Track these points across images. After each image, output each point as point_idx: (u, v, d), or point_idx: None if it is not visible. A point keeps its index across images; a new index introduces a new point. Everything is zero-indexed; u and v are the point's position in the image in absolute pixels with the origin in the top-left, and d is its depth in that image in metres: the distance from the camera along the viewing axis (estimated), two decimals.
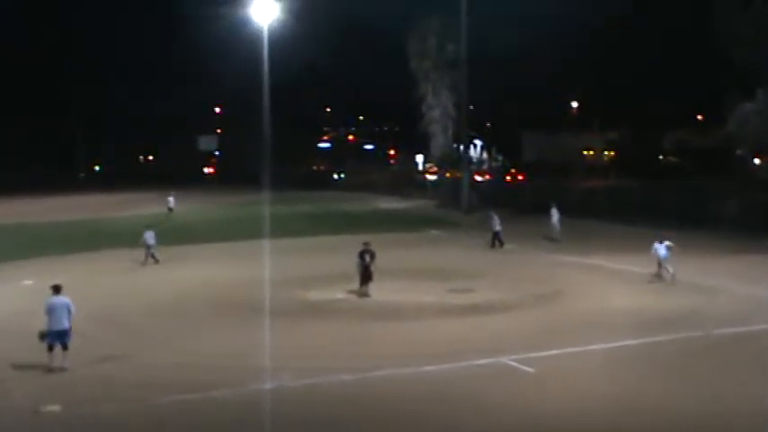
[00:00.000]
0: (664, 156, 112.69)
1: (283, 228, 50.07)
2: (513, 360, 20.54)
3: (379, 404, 18.04)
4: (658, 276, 31.50)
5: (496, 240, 42.33)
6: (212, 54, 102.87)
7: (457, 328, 24.76)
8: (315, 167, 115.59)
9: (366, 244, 30.12)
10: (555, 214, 44.23)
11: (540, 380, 19.41)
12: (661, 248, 31.56)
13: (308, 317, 26.72)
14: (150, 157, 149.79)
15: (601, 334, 23.34)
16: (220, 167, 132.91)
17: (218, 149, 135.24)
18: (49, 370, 20.04)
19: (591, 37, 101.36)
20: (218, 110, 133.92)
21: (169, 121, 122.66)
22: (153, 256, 38.34)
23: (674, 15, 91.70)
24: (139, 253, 38.55)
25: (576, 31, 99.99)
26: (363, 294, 29.33)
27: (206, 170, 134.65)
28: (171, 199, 62.85)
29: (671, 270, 31.13)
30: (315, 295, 29.94)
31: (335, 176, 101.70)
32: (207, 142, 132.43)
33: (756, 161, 47.05)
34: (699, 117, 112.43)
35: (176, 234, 49.02)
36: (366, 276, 29.53)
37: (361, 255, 29.73)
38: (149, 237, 38.56)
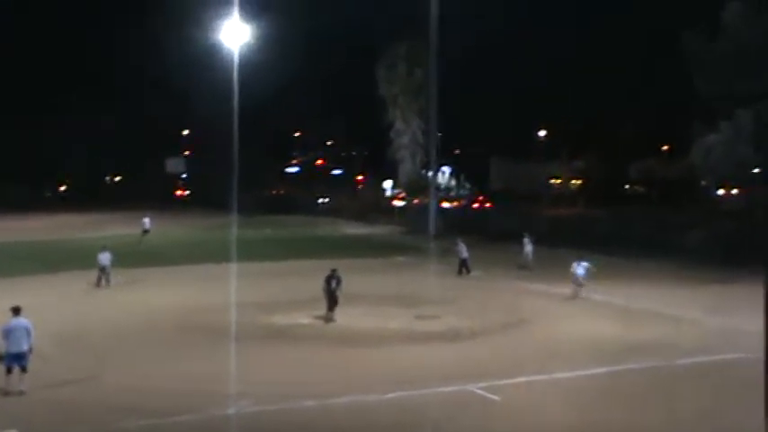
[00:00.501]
0: (630, 185, 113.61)
1: (250, 252, 49.80)
2: (479, 388, 20.46)
3: (343, 431, 17.89)
4: (574, 295, 33.96)
5: (463, 267, 42.34)
6: (181, 76, 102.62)
7: (423, 355, 24.66)
8: (275, 192, 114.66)
9: (333, 270, 30.04)
10: (528, 243, 44.37)
11: (505, 408, 19.34)
12: (579, 268, 34.31)
13: (273, 341, 26.53)
14: (117, 178, 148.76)
15: (567, 362, 23.33)
16: (188, 190, 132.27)
17: (185, 172, 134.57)
18: (6, 393, 19.70)
19: (559, 65, 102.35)
20: (186, 132, 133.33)
21: (137, 142, 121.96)
22: (107, 279, 37.89)
23: (639, 46, 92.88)
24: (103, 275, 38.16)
25: (544, 59, 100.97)
26: (329, 320, 29.21)
27: (177, 192, 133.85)
28: (146, 220, 62.51)
29: (582, 289, 33.84)
30: (280, 320, 29.74)
31: (320, 201, 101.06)
32: (174, 165, 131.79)
33: (720, 192, 47.45)
34: (664, 147, 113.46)
35: (142, 256, 48.64)
36: (332, 302, 29.44)
37: (328, 280, 29.66)
38: (104, 258, 38.11)
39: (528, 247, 44.33)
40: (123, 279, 38.88)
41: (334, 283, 29.56)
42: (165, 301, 33.90)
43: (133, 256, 47.49)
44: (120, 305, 33.30)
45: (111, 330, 28.15)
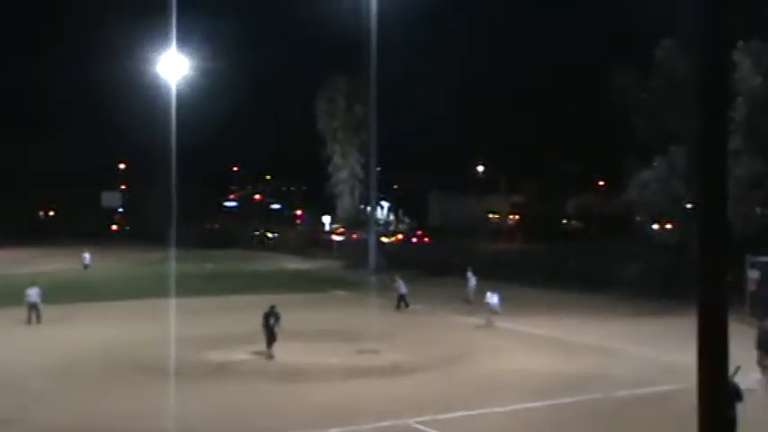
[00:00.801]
0: (567, 220, 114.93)
1: (188, 287, 49.25)
2: (418, 423, 20.37)
3: None
4: (489, 323, 35.95)
5: (402, 302, 42.31)
6: (118, 109, 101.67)
7: (362, 390, 24.52)
8: (210, 226, 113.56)
9: (272, 306, 29.80)
10: (471, 278, 44.50)
11: None
12: (493, 298, 36.49)
13: (211, 378, 26.19)
14: (51, 213, 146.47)
15: (506, 396, 23.37)
16: (124, 224, 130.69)
17: (122, 206, 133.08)
18: None
19: (499, 102, 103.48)
20: (122, 166, 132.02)
21: (71, 176, 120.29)
22: (37, 315, 37.09)
23: (574, 81, 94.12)
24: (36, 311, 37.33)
25: (483, 95, 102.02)
26: (268, 356, 28.94)
27: (114, 226, 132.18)
28: (86, 255, 61.82)
29: (495, 316, 36.04)
30: (218, 356, 29.39)
31: (269, 235, 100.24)
32: (110, 198, 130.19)
33: (655, 226, 48.19)
34: (601, 183, 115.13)
35: (76, 291, 47.84)
36: (271, 338, 29.19)
37: (266, 316, 29.42)
38: (33, 294, 37.34)
39: (472, 282, 44.48)
40: (55, 315, 38.10)
41: (272, 320, 29.33)
42: (99, 338, 33.30)
43: (67, 292, 46.69)
44: (50, 342, 32.59)
45: (40, 368, 27.51)
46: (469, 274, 44.74)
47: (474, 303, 43.09)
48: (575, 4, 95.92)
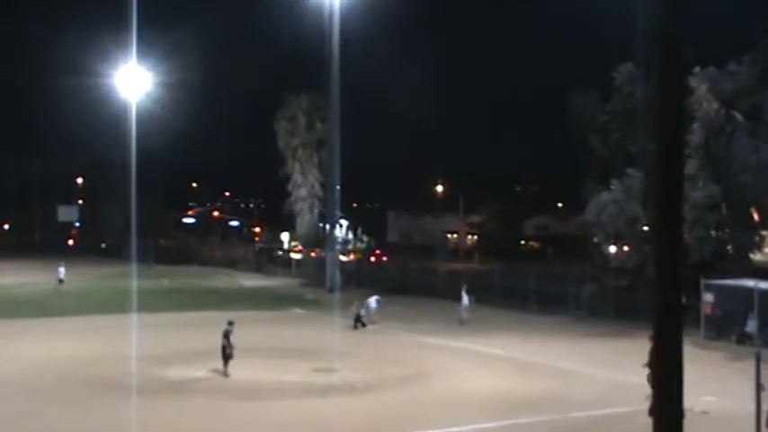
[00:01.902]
0: (525, 240, 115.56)
1: (145, 303, 48.64)
2: None
3: None
4: (367, 323, 41.05)
5: (359, 322, 42.09)
6: (76, 123, 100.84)
7: (319, 409, 24.46)
8: (165, 242, 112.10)
9: (230, 323, 29.55)
10: (465, 297, 44.19)
11: None
12: (372, 302, 42.07)
13: (166, 395, 25.99)
14: (5, 227, 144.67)
15: (462, 416, 23.40)
16: (81, 239, 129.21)
17: (78, 220, 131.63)
18: None
19: (459, 122, 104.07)
20: (80, 180, 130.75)
21: (27, 190, 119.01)
22: None
23: (533, 104, 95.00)
24: None
25: (444, 115, 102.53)
26: (225, 373, 28.73)
27: (70, 241, 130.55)
28: (62, 270, 60.99)
29: (376, 319, 41.10)
30: (174, 373, 29.16)
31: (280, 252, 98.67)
32: (67, 213, 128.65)
33: (612, 249, 48.58)
34: (559, 204, 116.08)
35: (29, 307, 47.23)
36: (227, 356, 28.97)
37: (226, 334, 29.16)
38: None
39: (465, 300, 44.13)
40: (7, 330, 37.56)
41: (231, 337, 29.04)
42: (52, 354, 32.84)
43: (23, 307, 46.13)
44: (4, 359, 31.98)
45: None
46: (463, 293, 44.41)
47: (469, 322, 42.78)
48: (536, 28, 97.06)
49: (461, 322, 42.95)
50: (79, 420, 22.34)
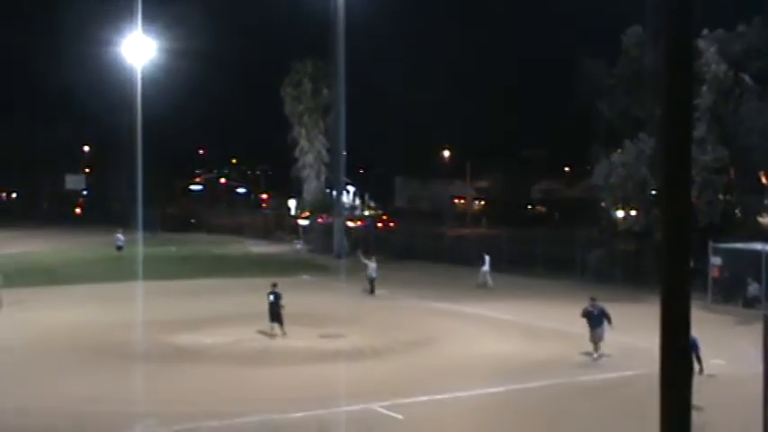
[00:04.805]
0: (532, 205, 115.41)
1: (153, 270, 48.85)
2: (381, 407, 20.42)
3: None
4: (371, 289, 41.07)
5: (372, 285, 42.18)
6: (82, 92, 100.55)
7: (327, 374, 24.53)
8: (172, 210, 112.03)
9: (274, 285, 29.83)
10: (487, 261, 44.51)
11: (408, 426, 19.34)
12: (372, 267, 41.68)
13: (177, 361, 26.10)
14: (13, 195, 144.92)
15: (470, 380, 23.46)
16: (88, 207, 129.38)
17: (86, 189, 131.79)
18: None
19: (466, 87, 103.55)
20: (86, 148, 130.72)
21: (35, 158, 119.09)
22: None
23: (540, 68, 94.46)
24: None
25: (451, 80, 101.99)
26: (283, 333, 29.03)
27: (77, 210, 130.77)
28: (120, 236, 61.54)
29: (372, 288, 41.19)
30: (184, 339, 29.27)
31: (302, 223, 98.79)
32: (74, 181, 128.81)
33: (619, 213, 48.41)
34: (566, 168, 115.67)
35: (41, 275, 47.38)
36: (279, 316, 29.18)
37: (276, 296, 29.41)
38: None
39: (486, 266, 44.43)
40: (19, 298, 37.66)
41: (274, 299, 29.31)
42: (64, 322, 33.00)
43: (31, 276, 46.28)
44: (13, 326, 32.11)
45: (3, 353, 27.25)
46: (486, 257, 44.67)
47: (492, 287, 43.12)
48: None
49: (484, 285, 43.19)
50: (90, 386, 22.42)
